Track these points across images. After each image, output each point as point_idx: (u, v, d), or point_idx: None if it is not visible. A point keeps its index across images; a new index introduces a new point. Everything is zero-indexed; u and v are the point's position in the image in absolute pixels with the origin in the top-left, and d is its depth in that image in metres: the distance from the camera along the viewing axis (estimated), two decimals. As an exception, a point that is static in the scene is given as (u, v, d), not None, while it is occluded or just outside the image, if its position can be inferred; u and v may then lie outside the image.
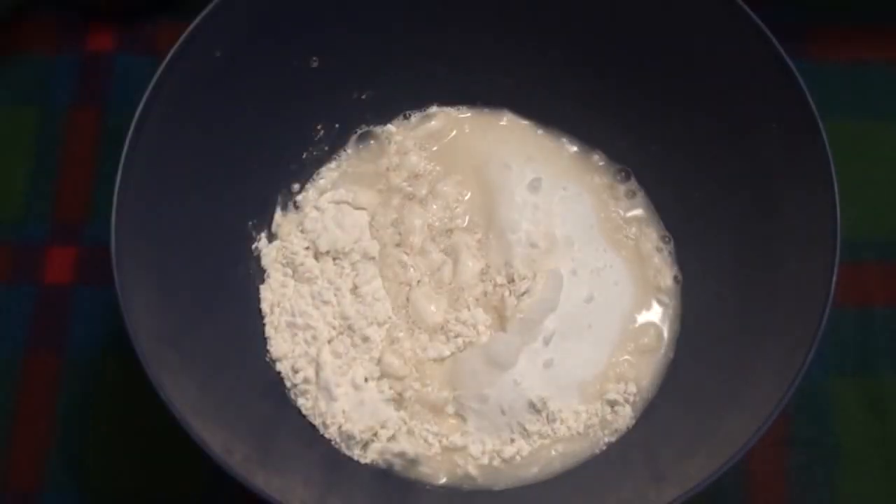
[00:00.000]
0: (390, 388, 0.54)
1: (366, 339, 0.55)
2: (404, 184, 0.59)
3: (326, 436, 0.53)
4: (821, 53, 0.64)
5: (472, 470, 0.53)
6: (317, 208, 0.59)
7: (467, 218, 0.58)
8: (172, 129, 0.48)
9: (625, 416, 0.54)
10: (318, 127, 0.58)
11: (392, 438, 0.53)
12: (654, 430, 0.53)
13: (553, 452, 0.53)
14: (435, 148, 0.60)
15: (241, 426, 0.48)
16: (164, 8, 0.66)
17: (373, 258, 0.57)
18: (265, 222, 0.57)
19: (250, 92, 0.53)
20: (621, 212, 0.59)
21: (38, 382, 0.57)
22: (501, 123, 0.61)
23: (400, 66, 0.58)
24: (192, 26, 0.48)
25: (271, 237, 0.57)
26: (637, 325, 0.56)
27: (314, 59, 0.55)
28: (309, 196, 0.59)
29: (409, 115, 0.61)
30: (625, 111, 0.57)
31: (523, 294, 0.55)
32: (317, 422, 0.53)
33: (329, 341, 0.55)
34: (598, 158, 0.60)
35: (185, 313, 0.49)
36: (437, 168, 0.60)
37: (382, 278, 0.57)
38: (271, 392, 0.54)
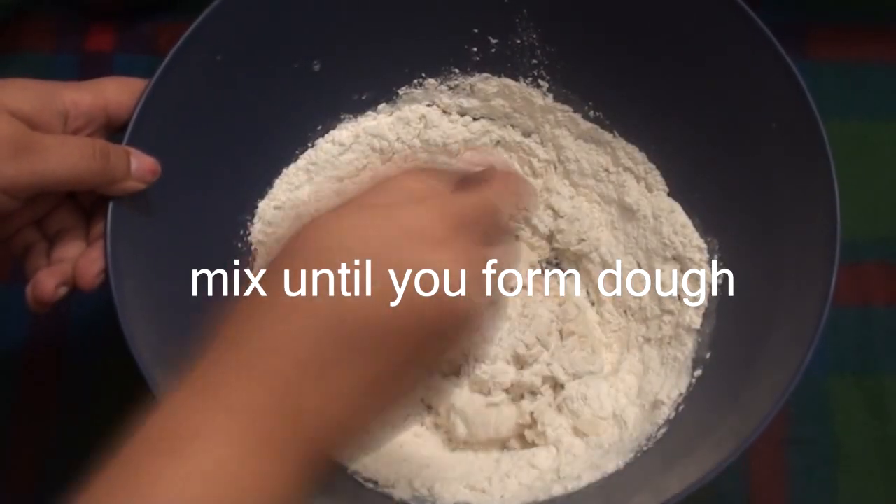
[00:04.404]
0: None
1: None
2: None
3: None
4: (821, 53, 0.64)
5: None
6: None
7: None
8: (171, 130, 0.48)
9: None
10: (319, 128, 0.58)
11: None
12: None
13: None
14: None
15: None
16: (164, 8, 0.66)
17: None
18: (265, 223, 0.57)
19: (250, 93, 0.53)
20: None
21: (38, 381, 0.57)
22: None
23: (401, 68, 0.58)
24: (191, 28, 0.48)
25: (271, 238, 0.57)
26: (637, 325, 0.56)
27: (315, 62, 0.55)
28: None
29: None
30: (623, 111, 0.57)
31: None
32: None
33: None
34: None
35: (184, 315, 0.49)
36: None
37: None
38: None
